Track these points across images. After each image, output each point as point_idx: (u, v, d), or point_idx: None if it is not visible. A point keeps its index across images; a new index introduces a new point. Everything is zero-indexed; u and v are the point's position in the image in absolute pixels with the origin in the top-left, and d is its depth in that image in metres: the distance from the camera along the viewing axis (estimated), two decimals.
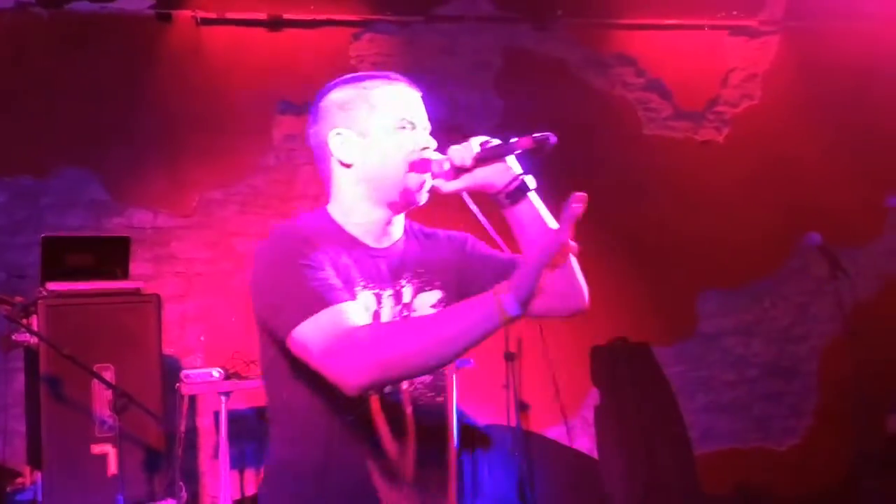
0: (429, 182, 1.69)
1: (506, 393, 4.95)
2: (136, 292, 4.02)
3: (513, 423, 4.99)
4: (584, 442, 5.41)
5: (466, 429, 5.04)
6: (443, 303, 1.73)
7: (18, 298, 3.38)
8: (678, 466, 5.06)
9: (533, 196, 1.70)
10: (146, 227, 4.90)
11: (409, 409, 1.67)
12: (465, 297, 1.65)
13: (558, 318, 1.76)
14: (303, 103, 4.40)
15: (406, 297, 1.72)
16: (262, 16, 5.13)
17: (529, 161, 1.70)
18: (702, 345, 5.68)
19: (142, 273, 4.60)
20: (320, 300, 1.51)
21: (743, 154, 5.70)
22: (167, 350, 4.25)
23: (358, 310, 1.56)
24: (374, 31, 5.37)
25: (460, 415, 4.42)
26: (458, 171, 1.66)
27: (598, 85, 5.67)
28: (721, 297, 5.70)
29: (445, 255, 1.79)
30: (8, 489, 4.03)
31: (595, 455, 5.34)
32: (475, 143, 1.66)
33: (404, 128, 1.69)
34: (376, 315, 1.66)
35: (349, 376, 1.45)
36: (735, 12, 5.67)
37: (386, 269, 1.70)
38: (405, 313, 1.70)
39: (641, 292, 5.50)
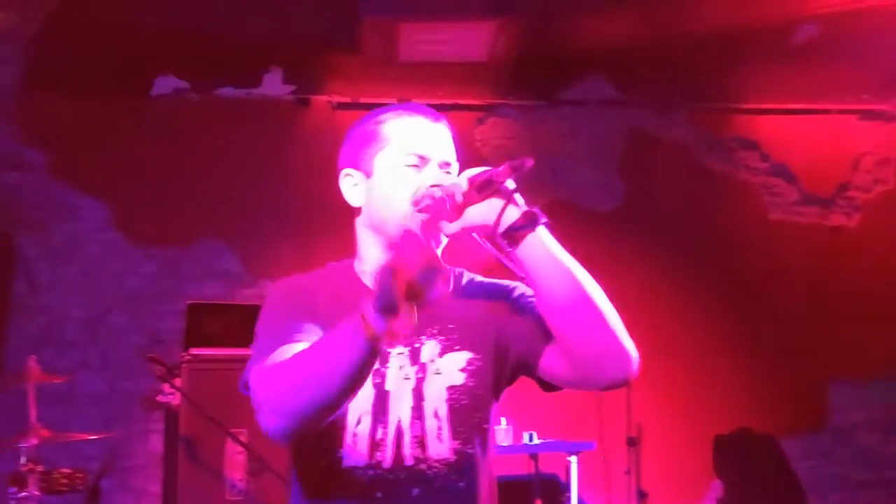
0: (434, 221, 1.44)
1: (627, 479, 4.82)
2: None
3: None
4: None
5: None
6: (472, 366, 1.46)
7: (165, 361, 3.57)
8: None
9: (543, 235, 1.38)
10: None
11: (414, 491, 1.40)
12: (502, 358, 1.48)
13: (597, 389, 1.45)
14: None
15: (426, 356, 1.46)
16: (393, 100, 5.38)
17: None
18: (833, 439, 5.39)
19: None
20: (273, 345, 1.38)
21: (876, 240, 5.51)
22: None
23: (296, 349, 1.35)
24: (498, 115, 5.54)
25: (580, 501, 4.32)
26: (458, 209, 1.40)
27: (721, 169, 5.63)
28: (855, 389, 5.43)
29: (483, 310, 1.51)
30: None
31: None
32: (464, 177, 1.41)
33: (415, 165, 1.48)
34: (381, 375, 1.42)
35: (258, 416, 1.33)
36: (865, 96, 5.57)
37: None
38: (420, 375, 1.44)
39: (766, 381, 5.31)
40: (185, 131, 5.21)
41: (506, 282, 1.56)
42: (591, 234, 5.29)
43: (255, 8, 4.35)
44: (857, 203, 5.67)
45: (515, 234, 1.37)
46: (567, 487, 4.27)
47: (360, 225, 1.55)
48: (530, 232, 1.36)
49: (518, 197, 1.40)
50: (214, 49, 4.75)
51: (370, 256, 1.52)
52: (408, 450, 1.41)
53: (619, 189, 5.53)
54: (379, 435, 1.42)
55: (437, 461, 1.41)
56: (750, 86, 5.51)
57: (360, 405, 1.41)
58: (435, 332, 1.47)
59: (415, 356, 1.46)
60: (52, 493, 3.19)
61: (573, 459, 4.23)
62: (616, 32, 4.71)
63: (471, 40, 4.48)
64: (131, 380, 4.66)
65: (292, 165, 5.23)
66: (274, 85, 5.26)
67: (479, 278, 1.60)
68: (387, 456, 1.42)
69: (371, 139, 1.54)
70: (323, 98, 5.34)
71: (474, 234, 1.44)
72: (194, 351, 3.97)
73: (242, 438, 3.70)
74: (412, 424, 1.42)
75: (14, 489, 3.09)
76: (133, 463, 4.70)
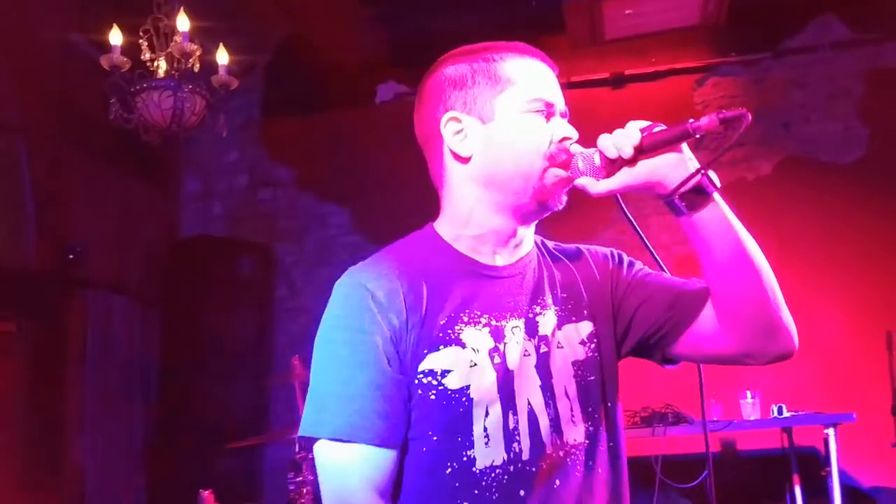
0: (572, 181, 1.28)
1: (894, 452, 4.43)
2: None
3: None
4: None
5: (850, 490, 4.58)
6: (594, 338, 1.30)
7: None
8: None
9: (718, 199, 1.24)
10: None
11: (557, 483, 1.22)
12: (622, 330, 1.32)
13: (761, 363, 1.30)
14: None
15: (545, 329, 1.27)
16: (605, 75, 5.31)
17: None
18: None
19: None
20: (343, 429, 1.18)
21: None
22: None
23: (373, 460, 1.18)
24: (719, 74, 5.27)
25: (842, 475, 4.04)
26: (613, 165, 1.24)
27: None
28: None
29: (594, 276, 1.35)
30: None
31: None
32: (634, 129, 1.23)
33: (541, 111, 1.29)
34: (499, 354, 1.22)
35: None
36: None
37: (511, 293, 1.28)
38: (544, 349, 1.25)
39: None
40: (410, 132, 5.47)
41: (601, 248, 1.41)
42: (833, 189, 4.90)
43: (463, 5, 4.51)
44: None
45: (697, 198, 1.22)
46: (827, 461, 4.00)
47: (466, 179, 1.31)
48: (710, 199, 1.23)
49: (691, 154, 1.25)
50: (428, 50, 4.98)
51: (476, 215, 1.29)
52: (547, 436, 1.22)
53: (863, 137, 5.05)
54: (511, 424, 1.20)
55: (573, 447, 1.24)
56: None
57: (484, 393, 1.19)
58: (549, 301, 1.30)
59: (532, 328, 1.26)
60: None
61: (830, 432, 3.97)
62: None
63: (679, 6, 4.31)
64: None
65: None
66: None
67: (562, 244, 1.42)
68: (524, 447, 1.20)
69: (488, 78, 1.30)
70: None
71: (618, 197, 1.29)
72: None
73: None
74: (547, 405, 1.23)
75: (292, 474, 3.47)
76: None
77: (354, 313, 1.23)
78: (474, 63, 1.32)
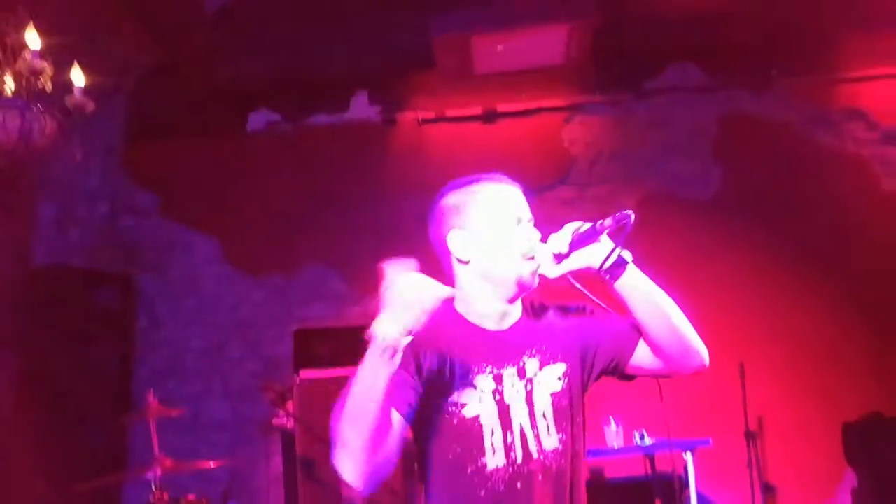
0: (538, 268, 1.82)
1: (749, 473, 4.67)
2: None
3: None
4: None
5: None
6: (567, 374, 1.83)
7: (277, 386, 3.71)
8: None
9: (632, 269, 1.79)
10: None
11: (540, 477, 1.77)
12: (588, 364, 1.86)
13: (684, 374, 1.84)
14: None
15: (530, 372, 1.81)
16: (478, 110, 5.42)
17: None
18: None
19: None
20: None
21: None
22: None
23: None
24: (585, 112, 5.48)
25: (700, 498, 4.21)
26: (560, 257, 1.79)
27: (827, 142, 5.39)
28: None
29: (565, 326, 1.89)
30: None
31: None
32: (568, 231, 1.78)
33: (517, 222, 1.84)
34: (499, 392, 1.79)
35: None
36: None
37: (507, 348, 1.82)
38: (529, 387, 1.80)
39: (892, 360, 5.02)
40: (280, 161, 5.42)
41: (572, 302, 1.93)
42: (691, 224, 5.17)
43: (335, 38, 4.49)
44: None
45: (616, 271, 1.77)
46: (686, 485, 4.16)
47: (469, 275, 1.85)
48: (625, 269, 1.77)
49: (608, 240, 1.78)
50: (301, 80, 4.94)
51: (479, 299, 1.85)
52: (532, 446, 1.78)
53: (717, 175, 5.36)
54: (509, 439, 1.78)
55: (549, 451, 1.79)
56: (852, 52, 5.25)
57: (489, 420, 1.77)
58: (533, 351, 1.83)
59: (521, 373, 1.81)
60: None
61: (688, 456, 4.13)
62: (702, 13, 4.57)
63: (545, 45, 4.47)
64: (251, 404, 4.87)
65: (385, 183, 5.35)
66: (361, 107, 5.41)
67: (547, 303, 1.94)
68: (518, 455, 1.77)
69: (474, 206, 1.85)
70: (409, 115, 5.44)
71: (568, 276, 1.81)
72: (304, 374, 4.12)
73: None
74: (531, 426, 1.79)
75: None
76: (257, 485, 4.91)
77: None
78: (465, 194, 1.86)
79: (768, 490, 4.83)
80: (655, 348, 1.82)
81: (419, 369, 1.75)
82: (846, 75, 5.40)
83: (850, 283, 5.12)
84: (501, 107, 5.40)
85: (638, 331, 1.84)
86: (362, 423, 1.59)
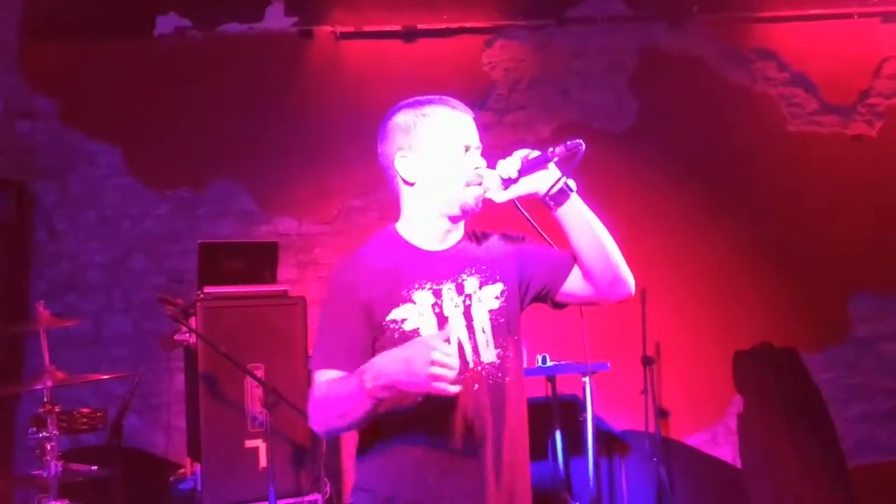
0: (483, 194, 1.91)
1: (644, 398, 4.87)
2: (283, 295, 4.20)
3: (651, 430, 4.90)
4: (727, 451, 5.23)
5: (603, 434, 4.99)
6: (504, 293, 1.93)
7: (179, 301, 3.61)
8: (830, 480, 4.80)
9: (575, 197, 1.89)
10: (291, 234, 5.15)
11: (475, 387, 1.86)
12: (524, 288, 1.97)
13: (611, 303, 1.97)
14: None
15: (469, 289, 1.91)
16: (398, 27, 5.29)
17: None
18: (855, 350, 5.37)
19: (288, 277, 4.84)
20: (320, 360, 1.86)
21: None
22: (310, 351, 4.45)
23: (328, 375, 1.83)
24: (506, 36, 5.42)
25: (596, 420, 4.37)
26: (507, 182, 1.87)
27: (739, 81, 5.49)
28: (877, 300, 5.38)
29: (504, 251, 1.99)
30: (171, 479, 4.32)
31: (738, 465, 5.15)
32: (518, 157, 1.86)
33: (464, 150, 1.90)
34: (438, 306, 1.88)
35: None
36: None
37: (446, 267, 1.91)
38: (467, 302, 1.90)
39: (787, 295, 5.28)
40: (190, 70, 5.18)
41: (513, 231, 2.04)
42: (605, 155, 5.21)
43: None
44: (878, 110, 5.51)
45: (560, 197, 1.87)
46: (584, 408, 4.31)
47: (413, 197, 1.93)
48: (569, 197, 1.87)
49: (555, 168, 1.87)
50: None
51: (421, 221, 1.93)
52: (470, 356, 1.87)
53: (633, 107, 5.42)
54: None
55: (487, 364, 1.88)
56: None
57: (428, 332, 1.83)
58: (472, 271, 1.93)
59: (460, 288, 1.90)
60: (73, 433, 3.30)
61: (587, 380, 4.27)
62: None
63: None
64: (155, 320, 4.75)
65: (300, 100, 5.20)
66: (276, 18, 5.20)
67: (489, 230, 2.05)
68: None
69: (424, 128, 1.91)
70: (326, 28, 5.26)
71: (515, 202, 1.91)
72: (208, 289, 4.03)
73: (259, 373, 3.78)
74: (469, 338, 1.88)
75: (33, 429, 3.19)
76: (161, 400, 4.84)
77: (341, 285, 1.88)
78: (415, 115, 1.92)
79: (662, 415, 5.07)
80: (588, 276, 1.93)
81: (365, 310, 1.83)
82: (761, 14, 5.49)
83: (751, 218, 5.31)
84: (423, 24, 5.28)
85: (572, 260, 1.95)
86: (342, 423, 1.77)
